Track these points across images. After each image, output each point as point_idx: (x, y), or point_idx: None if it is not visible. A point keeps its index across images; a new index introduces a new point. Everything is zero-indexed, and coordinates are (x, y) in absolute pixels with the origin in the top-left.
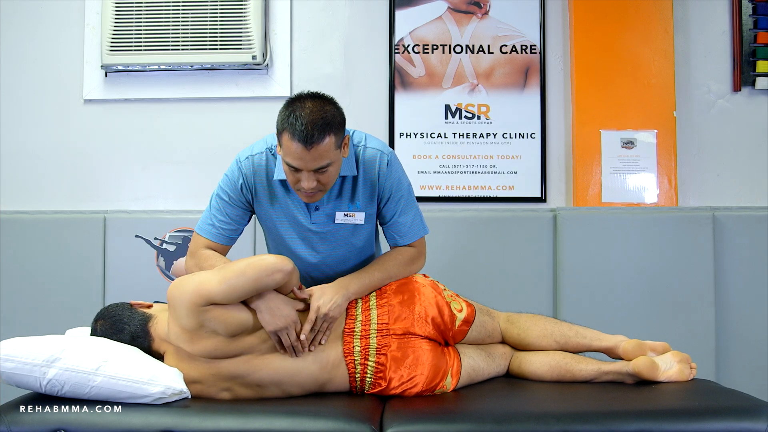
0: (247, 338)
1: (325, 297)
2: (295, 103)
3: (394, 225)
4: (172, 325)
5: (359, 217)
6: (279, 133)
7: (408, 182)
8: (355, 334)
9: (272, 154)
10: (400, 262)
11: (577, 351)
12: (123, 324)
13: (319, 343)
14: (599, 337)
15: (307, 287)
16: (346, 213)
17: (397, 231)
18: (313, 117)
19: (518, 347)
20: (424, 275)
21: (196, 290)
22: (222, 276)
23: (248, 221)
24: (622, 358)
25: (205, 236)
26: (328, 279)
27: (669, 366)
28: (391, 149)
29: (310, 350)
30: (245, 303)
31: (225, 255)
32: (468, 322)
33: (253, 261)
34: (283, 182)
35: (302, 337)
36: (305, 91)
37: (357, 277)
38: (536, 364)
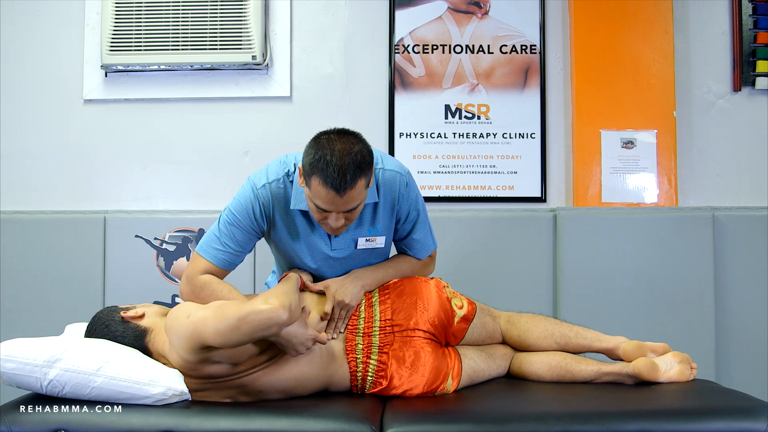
0: (252, 360)
1: (341, 287)
2: (322, 142)
3: (409, 241)
4: (173, 353)
5: (380, 241)
6: (307, 175)
7: (422, 200)
8: (357, 331)
9: (290, 181)
10: (414, 265)
11: (577, 352)
12: (116, 342)
13: (340, 332)
14: (599, 338)
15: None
16: (367, 238)
17: (410, 246)
18: (344, 162)
19: (519, 348)
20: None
21: (193, 333)
22: (216, 328)
23: (251, 249)
24: (622, 359)
25: (207, 258)
26: None
27: (669, 367)
28: (407, 169)
29: (333, 338)
30: None
31: (222, 279)
32: (467, 319)
33: (247, 315)
34: (303, 212)
35: (319, 327)
36: (332, 129)
37: (372, 270)
38: (536, 364)
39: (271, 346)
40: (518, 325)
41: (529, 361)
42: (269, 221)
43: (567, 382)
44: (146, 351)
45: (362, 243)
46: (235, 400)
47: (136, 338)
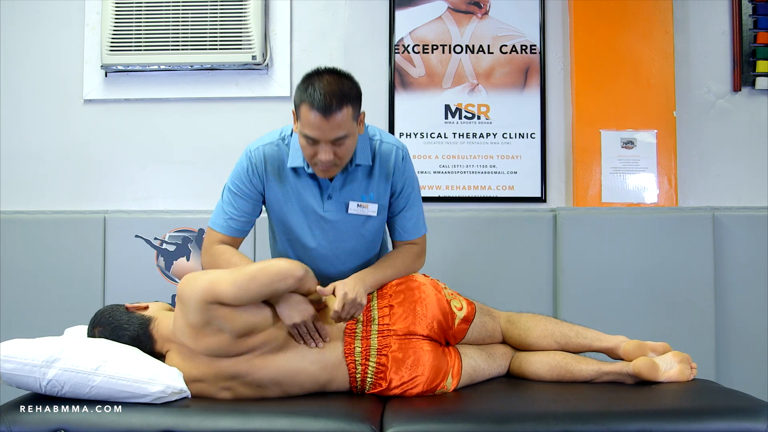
0: (251, 339)
1: (347, 286)
2: (312, 77)
3: (400, 219)
4: (178, 318)
5: (372, 209)
6: (297, 107)
7: (418, 181)
8: (356, 334)
9: (285, 144)
10: (407, 259)
11: (577, 351)
12: (123, 330)
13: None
14: (600, 338)
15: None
16: (359, 203)
17: (402, 225)
18: (331, 88)
19: (519, 347)
20: (425, 275)
21: (208, 288)
22: (233, 279)
23: (259, 214)
24: (622, 359)
25: (218, 230)
26: (338, 274)
27: (669, 366)
28: (406, 147)
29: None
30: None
31: (238, 248)
32: (467, 320)
33: (266, 266)
34: (296, 170)
35: (320, 329)
36: (322, 66)
37: (371, 271)
38: (536, 364)
39: (266, 331)
40: (518, 325)
41: (529, 360)
42: (262, 182)
43: (567, 382)
44: (150, 339)
45: (353, 207)
46: (234, 393)
47: (141, 325)
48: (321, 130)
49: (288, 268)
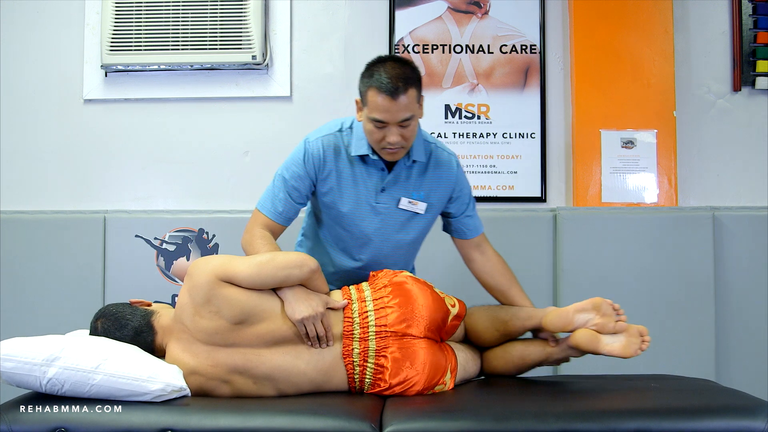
0: (246, 330)
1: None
2: (376, 64)
3: (464, 219)
4: (182, 295)
5: (420, 207)
6: (363, 95)
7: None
8: (354, 336)
9: (345, 134)
10: (499, 258)
11: (517, 334)
12: (126, 320)
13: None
14: (530, 315)
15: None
16: (410, 200)
17: (467, 225)
18: (396, 72)
19: (477, 344)
20: (413, 277)
21: (224, 263)
22: (250, 260)
23: (306, 204)
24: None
25: (264, 213)
26: (376, 265)
27: (614, 339)
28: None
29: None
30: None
31: (277, 238)
32: (460, 317)
33: (283, 252)
34: (357, 158)
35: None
36: (383, 55)
37: (518, 291)
38: (495, 360)
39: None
40: (468, 321)
41: (489, 358)
42: (317, 171)
43: (527, 368)
44: (151, 330)
45: (404, 203)
46: (232, 387)
47: (143, 317)
48: (389, 112)
49: (304, 257)
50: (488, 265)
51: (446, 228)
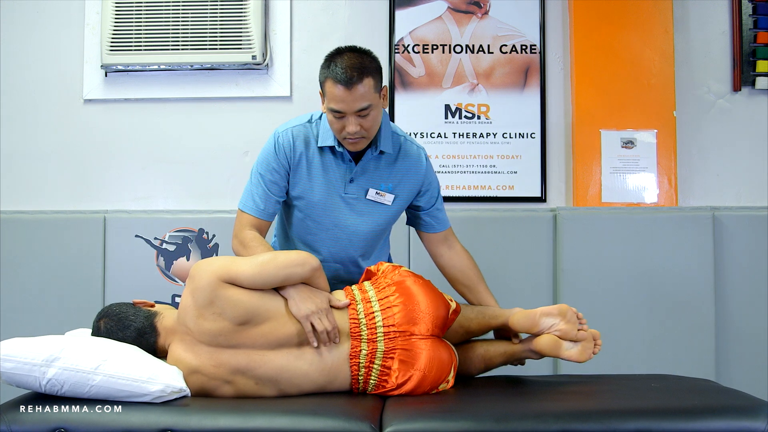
0: (250, 331)
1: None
2: (334, 56)
3: (433, 212)
4: (185, 297)
5: (388, 198)
6: (322, 85)
7: None
8: (362, 337)
9: (314, 126)
10: (465, 252)
11: (480, 333)
12: (129, 321)
13: None
14: (496, 315)
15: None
16: (377, 191)
17: (435, 218)
18: (352, 62)
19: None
20: (413, 273)
21: (225, 265)
22: (251, 260)
23: (284, 197)
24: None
25: (247, 212)
26: (346, 256)
27: (572, 345)
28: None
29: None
30: (277, 291)
31: (265, 235)
32: (457, 312)
33: (285, 251)
34: (324, 150)
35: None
36: (343, 46)
37: (485, 290)
38: (465, 363)
39: (265, 324)
40: None
41: (462, 360)
42: (290, 162)
43: (489, 369)
44: (154, 331)
45: (372, 194)
46: (234, 388)
47: (147, 318)
48: (345, 102)
49: (306, 255)
50: (456, 260)
51: (413, 222)
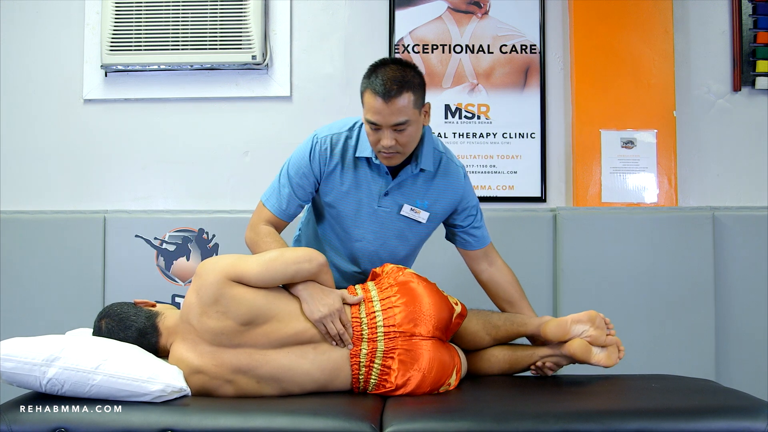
0: (253, 331)
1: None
2: (377, 67)
3: (472, 230)
4: (189, 294)
5: (423, 216)
6: (361, 95)
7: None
8: (362, 337)
9: (356, 134)
10: (506, 266)
11: (508, 339)
12: (130, 321)
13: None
14: (525, 322)
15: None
16: (413, 207)
17: (474, 235)
18: (392, 75)
19: (463, 346)
20: (417, 275)
21: (232, 263)
22: (258, 259)
23: (309, 201)
24: (548, 339)
25: (268, 207)
26: (372, 265)
27: (600, 350)
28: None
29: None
30: (287, 290)
31: (281, 233)
32: (462, 316)
33: (291, 248)
34: (361, 160)
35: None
36: (388, 57)
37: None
38: (481, 362)
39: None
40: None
41: (476, 359)
42: (323, 168)
43: (513, 373)
44: (156, 331)
45: (406, 210)
46: (235, 387)
47: (148, 318)
48: (381, 115)
49: (313, 251)
50: (497, 276)
51: (451, 238)
